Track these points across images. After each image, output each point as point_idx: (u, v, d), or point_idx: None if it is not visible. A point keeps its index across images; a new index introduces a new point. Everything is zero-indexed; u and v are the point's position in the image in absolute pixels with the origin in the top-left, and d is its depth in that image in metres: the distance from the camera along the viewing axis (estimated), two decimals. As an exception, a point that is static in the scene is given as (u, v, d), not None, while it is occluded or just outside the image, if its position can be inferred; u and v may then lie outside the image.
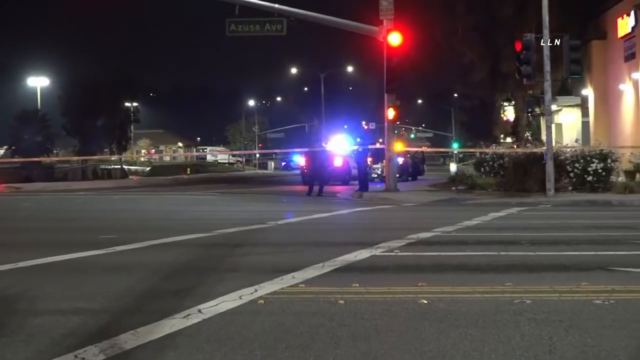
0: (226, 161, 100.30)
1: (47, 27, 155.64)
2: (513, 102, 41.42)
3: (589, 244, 10.38)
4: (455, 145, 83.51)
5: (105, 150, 74.23)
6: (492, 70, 37.16)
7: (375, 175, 37.67)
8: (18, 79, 78.06)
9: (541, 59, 22.86)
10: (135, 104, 77.32)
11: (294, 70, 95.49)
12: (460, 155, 77.38)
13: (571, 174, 24.05)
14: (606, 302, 6.10)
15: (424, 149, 66.31)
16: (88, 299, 6.44)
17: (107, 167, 66.83)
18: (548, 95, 23.36)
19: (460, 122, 76.01)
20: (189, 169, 73.65)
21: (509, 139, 42.97)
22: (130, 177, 64.31)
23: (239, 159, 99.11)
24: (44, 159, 55.79)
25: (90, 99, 66.71)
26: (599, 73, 35.86)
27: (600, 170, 23.68)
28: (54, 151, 75.76)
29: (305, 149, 32.87)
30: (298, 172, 43.64)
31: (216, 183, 43.47)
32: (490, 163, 29.58)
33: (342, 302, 6.16)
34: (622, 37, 32.82)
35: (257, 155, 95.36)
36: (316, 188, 26.67)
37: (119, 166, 69.17)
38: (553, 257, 8.96)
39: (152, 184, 44.75)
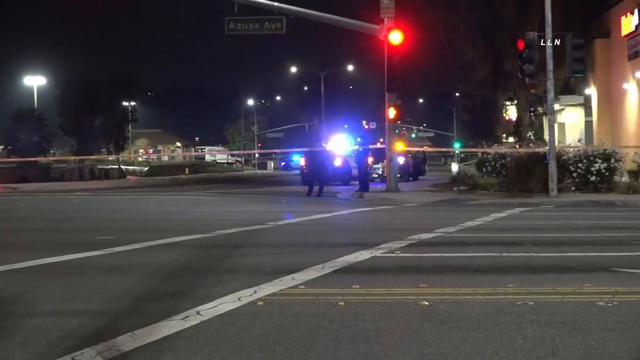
0: (225, 161, 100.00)
1: (44, 26, 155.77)
2: (515, 102, 41.37)
3: (592, 245, 10.34)
4: (456, 145, 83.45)
5: (103, 150, 73.91)
6: (494, 69, 37.12)
7: (376, 176, 37.61)
8: (14, 77, 77.64)
9: (544, 57, 22.80)
10: (133, 103, 76.93)
11: (293, 69, 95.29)
12: (462, 155, 77.27)
13: (574, 174, 23.99)
14: (609, 304, 6.07)
15: (425, 148, 66.29)
16: (85, 300, 6.41)
17: (104, 167, 66.50)
18: (551, 95, 23.31)
19: (461, 121, 76.01)
20: (187, 169, 73.49)
21: (511, 139, 43.00)
22: (128, 177, 64.10)
23: (238, 159, 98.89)
24: (41, 159, 55.62)
25: (88, 98, 66.33)
26: (602, 72, 35.71)
27: (603, 171, 23.61)
28: (51, 151, 75.49)
29: (305, 149, 32.82)
30: (298, 172, 43.60)
31: (215, 183, 43.43)
32: (492, 163, 29.53)
33: (342, 303, 6.13)
34: (626, 36, 32.68)
35: (257, 155, 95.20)
36: (316, 188, 26.62)
37: (117, 166, 68.85)
38: (556, 258, 8.92)
39: (150, 184, 44.70)
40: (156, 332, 5.19)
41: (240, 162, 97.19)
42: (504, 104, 44.27)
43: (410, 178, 43.64)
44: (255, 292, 6.63)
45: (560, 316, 5.65)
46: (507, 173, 26.57)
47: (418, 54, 32.55)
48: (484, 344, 4.87)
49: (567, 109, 40.50)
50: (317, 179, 27.25)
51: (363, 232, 13.27)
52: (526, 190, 23.57)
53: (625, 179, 25.97)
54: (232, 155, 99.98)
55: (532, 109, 39.23)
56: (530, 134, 37.82)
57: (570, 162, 24.13)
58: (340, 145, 41.94)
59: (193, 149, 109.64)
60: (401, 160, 37.86)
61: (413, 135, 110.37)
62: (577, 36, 24.43)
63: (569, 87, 37.57)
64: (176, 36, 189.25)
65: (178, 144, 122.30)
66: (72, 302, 6.37)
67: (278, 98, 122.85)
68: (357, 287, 6.88)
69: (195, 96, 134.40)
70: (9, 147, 62.66)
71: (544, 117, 34.21)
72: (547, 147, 23.44)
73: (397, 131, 30.76)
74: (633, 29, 31.76)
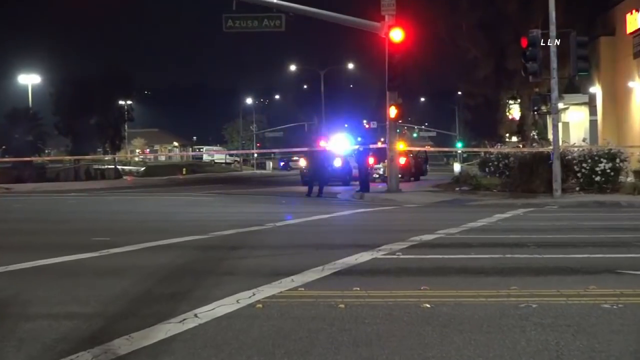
0: (223, 161, 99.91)
1: (39, 24, 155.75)
2: (519, 100, 41.36)
3: (597, 246, 10.26)
4: (459, 145, 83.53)
5: (99, 149, 73.70)
6: (497, 68, 37.08)
7: (377, 176, 37.57)
8: (8, 76, 76.99)
9: (548, 55, 22.72)
10: (129, 102, 76.60)
11: (293, 68, 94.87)
12: (464, 155, 77.29)
13: (578, 174, 23.89)
14: (614, 306, 6.02)
15: (427, 148, 66.04)
16: (81, 303, 6.36)
17: (100, 167, 66.56)
18: (555, 93, 23.23)
19: (464, 120, 76.20)
20: (184, 169, 73.39)
21: (514, 138, 42.94)
22: (124, 177, 63.94)
23: (236, 158, 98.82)
24: (35, 159, 55.57)
25: (83, 97, 66.11)
26: (607, 70, 35.56)
27: (608, 171, 23.50)
28: (46, 151, 75.47)
29: (305, 149, 32.77)
30: (297, 172, 43.56)
31: (213, 183, 43.49)
32: (495, 163, 29.38)
33: (342, 306, 6.08)
34: (632, 33, 32.52)
35: (255, 155, 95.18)
36: (316, 189, 26.55)
37: (113, 166, 68.79)
38: (560, 260, 8.86)
39: (146, 185, 44.71)
40: (153, 335, 5.15)
41: (238, 162, 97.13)
42: (507, 103, 44.25)
43: (412, 178, 43.58)
44: (253, 294, 6.58)
45: (565, 319, 5.60)
46: (511, 173, 26.46)
47: (419, 52, 32.53)
48: (487, 347, 4.83)
49: (572, 107, 40.43)
50: (317, 179, 27.19)
51: (363, 233, 13.22)
52: (530, 191, 23.49)
53: (630, 179, 25.84)
54: (231, 155, 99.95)
55: (535, 108, 39.15)
56: (533, 133, 37.73)
57: (574, 162, 24.02)
58: (340, 145, 41.86)
59: (190, 149, 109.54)
60: (402, 160, 37.78)
61: (414, 135, 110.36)
62: (581, 34, 24.29)
63: (574, 86, 37.45)
64: (174, 34, 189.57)
65: (175, 143, 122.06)
66: (67, 304, 6.32)
67: (277, 97, 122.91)
68: (358, 289, 6.82)
69: (193, 95, 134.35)
70: (3, 147, 62.66)
71: (547, 116, 34.05)
72: (551, 147, 23.35)
73: (398, 130, 30.66)
74: (639, 26, 31.64)
